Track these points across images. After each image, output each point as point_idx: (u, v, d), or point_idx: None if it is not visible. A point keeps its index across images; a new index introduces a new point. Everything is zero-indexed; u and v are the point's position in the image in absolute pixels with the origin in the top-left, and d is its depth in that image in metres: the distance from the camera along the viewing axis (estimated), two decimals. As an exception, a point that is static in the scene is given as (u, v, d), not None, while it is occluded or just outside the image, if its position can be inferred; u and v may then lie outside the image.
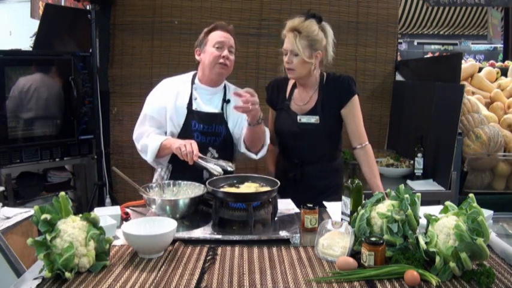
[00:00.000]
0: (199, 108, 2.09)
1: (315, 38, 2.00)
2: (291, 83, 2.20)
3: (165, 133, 2.09)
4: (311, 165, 2.13)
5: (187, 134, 2.03)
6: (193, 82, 2.15)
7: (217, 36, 2.06)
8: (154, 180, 2.17)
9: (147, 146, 2.03)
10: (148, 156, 2.04)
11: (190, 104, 2.08)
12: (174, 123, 2.07)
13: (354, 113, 2.11)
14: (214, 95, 2.14)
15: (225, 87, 2.18)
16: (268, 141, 2.14)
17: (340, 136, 2.20)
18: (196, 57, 2.14)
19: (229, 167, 1.89)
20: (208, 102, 2.12)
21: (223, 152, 2.09)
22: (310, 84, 2.13)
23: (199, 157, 1.87)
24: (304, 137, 2.10)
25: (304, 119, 2.10)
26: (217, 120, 2.10)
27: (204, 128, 2.07)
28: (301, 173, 2.13)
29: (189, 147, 1.85)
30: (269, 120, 2.27)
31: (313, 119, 2.09)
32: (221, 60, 2.05)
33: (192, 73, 2.20)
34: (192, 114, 2.07)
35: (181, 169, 2.00)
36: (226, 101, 2.14)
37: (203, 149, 1.99)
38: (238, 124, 2.13)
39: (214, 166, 1.86)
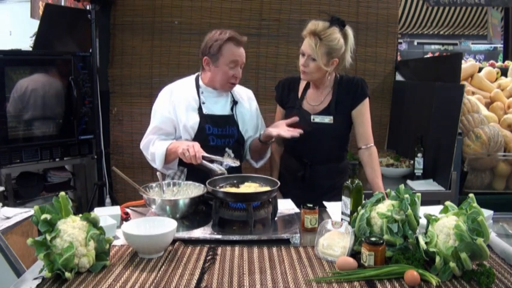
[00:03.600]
0: (210, 111, 2.08)
1: (334, 47, 2.00)
2: (303, 82, 2.20)
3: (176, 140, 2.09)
4: (319, 165, 2.14)
5: (202, 138, 2.02)
6: (197, 86, 2.13)
7: (232, 53, 2.01)
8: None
9: (155, 154, 2.04)
10: (157, 164, 2.04)
11: (200, 108, 2.08)
12: (188, 129, 2.06)
13: (364, 114, 2.12)
14: (220, 97, 2.13)
15: None
16: (269, 154, 2.22)
17: (348, 137, 2.21)
18: (204, 65, 2.09)
19: (234, 163, 1.91)
20: (216, 105, 2.11)
21: (238, 152, 2.10)
22: (324, 85, 2.14)
23: (203, 157, 1.87)
24: (316, 136, 2.10)
25: (317, 119, 2.10)
26: (230, 121, 2.10)
27: (219, 131, 2.07)
28: (309, 172, 2.13)
29: (191, 151, 1.85)
30: (276, 119, 2.26)
31: (327, 119, 2.09)
32: (232, 80, 2.06)
33: (193, 76, 2.18)
34: (205, 119, 2.06)
35: (195, 171, 1.99)
36: (234, 102, 2.14)
37: (220, 151, 2.01)
38: (247, 127, 2.16)
39: (217, 166, 1.86)
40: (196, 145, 1.89)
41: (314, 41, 1.97)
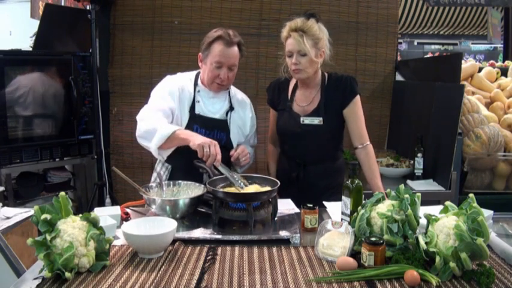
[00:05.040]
0: (202, 112, 2.06)
1: (318, 37, 2.00)
2: (292, 83, 2.19)
3: None
4: (313, 165, 2.13)
5: None
6: (196, 83, 2.11)
7: (217, 53, 1.97)
8: (152, 179, 2.15)
9: (156, 130, 1.90)
10: (153, 143, 1.91)
11: (193, 107, 2.06)
12: (178, 124, 2.04)
13: (356, 113, 2.11)
14: (216, 99, 2.11)
15: (229, 92, 2.16)
16: (252, 160, 2.18)
17: (342, 136, 2.20)
18: (199, 62, 2.10)
19: (244, 183, 1.80)
20: (211, 106, 2.09)
21: (223, 158, 1.97)
22: (313, 84, 2.13)
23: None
24: (307, 137, 2.10)
25: (307, 120, 2.09)
26: (220, 126, 2.08)
27: (206, 133, 2.03)
28: (303, 173, 2.13)
29: (213, 149, 1.79)
30: (270, 121, 2.27)
31: (317, 120, 2.09)
32: (218, 81, 2.02)
33: (195, 72, 2.16)
34: (195, 119, 2.04)
35: (181, 170, 1.98)
36: (230, 108, 2.12)
37: None
38: (237, 134, 2.14)
39: (236, 180, 1.79)
40: (217, 146, 1.82)
41: (299, 36, 1.97)
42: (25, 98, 3.02)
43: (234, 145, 2.12)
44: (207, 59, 2.02)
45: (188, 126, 2.03)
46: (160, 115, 1.97)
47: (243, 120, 2.17)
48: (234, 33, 2.02)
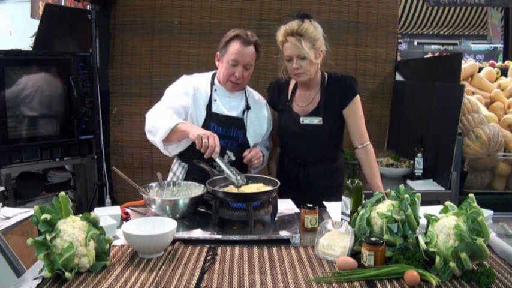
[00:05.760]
0: (219, 110, 2.06)
1: (315, 38, 2.00)
2: (292, 83, 2.19)
3: None
4: (313, 165, 2.13)
5: None
6: (212, 83, 2.11)
7: (234, 51, 1.99)
8: (169, 179, 2.14)
9: (160, 125, 1.92)
10: (158, 136, 1.92)
11: (209, 106, 2.06)
12: (194, 122, 2.04)
13: (355, 112, 2.11)
14: (233, 98, 2.11)
15: (245, 92, 2.15)
16: (266, 163, 2.19)
17: (342, 136, 2.20)
18: (216, 61, 2.10)
19: (241, 179, 1.81)
20: (228, 105, 2.09)
21: (238, 157, 2.04)
22: (312, 84, 2.13)
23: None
24: (306, 138, 2.10)
25: (306, 120, 2.10)
26: (237, 124, 2.08)
27: (223, 131, 2.04)
28: (303, 173, 2.13)
29: (211, 141, 1.79)
30: None
31: (316, 120, 2.09)
32: (232, 79, 2.03)
33: (211, 73, 2.16)
34: (211, 117, 2.05)
35: (198, 169, 1.95)
36: (247, 107, 2.12)
37: (221, 151, 1.95)
38: (253, 134, 2.12)
39: (235, 174, 1.79)
40: (216, 138, 1.82)
41: (297, 41, 1.97)
42: (25, 98, 3.03)
43: (251, 144, 2.11)
44: (224, 57, 2.03)
45: (205, 124, 2.04)
46: (171, 112, 1.98)
47: (260, 120, 2.15)
48: (252, 34, 2.04)
